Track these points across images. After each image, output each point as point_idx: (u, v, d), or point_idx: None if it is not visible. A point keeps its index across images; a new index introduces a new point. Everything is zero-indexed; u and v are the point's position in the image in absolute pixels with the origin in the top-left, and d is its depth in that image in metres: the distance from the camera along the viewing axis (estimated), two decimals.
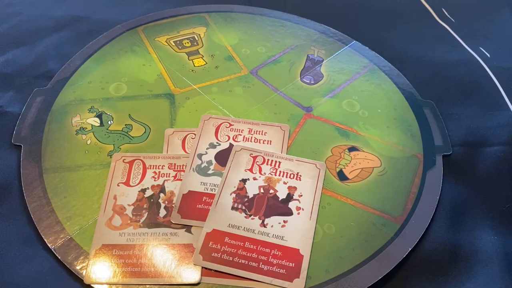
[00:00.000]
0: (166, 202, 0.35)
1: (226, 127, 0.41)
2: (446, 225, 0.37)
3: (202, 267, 0.32)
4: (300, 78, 0.47)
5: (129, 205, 0.35)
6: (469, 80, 0.49)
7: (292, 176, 0.37)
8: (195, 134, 0.40)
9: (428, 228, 0.36)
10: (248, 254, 0.32)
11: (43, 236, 0.33)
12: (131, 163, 0.38)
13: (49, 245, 0.33)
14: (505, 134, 0.44)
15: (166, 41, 0.50)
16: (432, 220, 0.37)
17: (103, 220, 0.34)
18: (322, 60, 0.49)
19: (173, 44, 0.50)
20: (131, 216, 0.34)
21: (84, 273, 0.31)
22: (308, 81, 0.47)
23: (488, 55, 0.52)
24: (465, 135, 0.44)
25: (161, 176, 0.37)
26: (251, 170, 0.37)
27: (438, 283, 0.33)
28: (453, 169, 0.41)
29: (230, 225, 0.34)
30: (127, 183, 0.36)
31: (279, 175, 0.37)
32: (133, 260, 0.32)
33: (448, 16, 0.58)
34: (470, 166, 0.41)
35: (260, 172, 0.37)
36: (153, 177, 0.37)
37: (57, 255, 0.32)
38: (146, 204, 0.35)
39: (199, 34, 0.51)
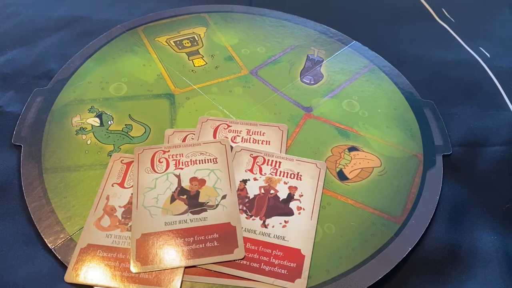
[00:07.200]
0: None
1: (224, 128, 0.41)
2: (446, 225, 0.37)
3: (185, 268, 0.31)
4: (300, 78, 0.47)
5: (120, 206, 0.35)
6: (469, 80, 0.49)
7: (292, 176, 0.37)
8: (194, 135, 0.40)
9: (428, 228, 0.36)
10: (249, 255, 0.32)
11: (43, 236, 0.33)
12: (128, 164, 0.37)
13: (49, 245, 0.33)
14: (505, 134, 0.44)
15: (166, 41, 0.50)
16: (432, 220, 0.37)
17: (92, 219, 0.34)
18: (322, 60, 0.49)
19: (173, 44, 0.50)
20: (120, 218, 0.34)
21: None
22: (308, 81, 0.47)
23: (488, 55, 0.52)
24: (465, 135, 0.44)
25: None
26: (251, 170, 0.37)
27: (438, 283, 0.33)
28: (453, 169, 0.41)
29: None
30: (121, 184, 0.36)
31: (280, 175, 0.37)
32: (116, 263, 0.32)
33: (448, 16, 0.58)
34: (470, 166, 0.41)
35: (260, 173, 0.37)
36: None
37: (57, 255, 0.32)
38: None
39: (199, 34, 0.51)
